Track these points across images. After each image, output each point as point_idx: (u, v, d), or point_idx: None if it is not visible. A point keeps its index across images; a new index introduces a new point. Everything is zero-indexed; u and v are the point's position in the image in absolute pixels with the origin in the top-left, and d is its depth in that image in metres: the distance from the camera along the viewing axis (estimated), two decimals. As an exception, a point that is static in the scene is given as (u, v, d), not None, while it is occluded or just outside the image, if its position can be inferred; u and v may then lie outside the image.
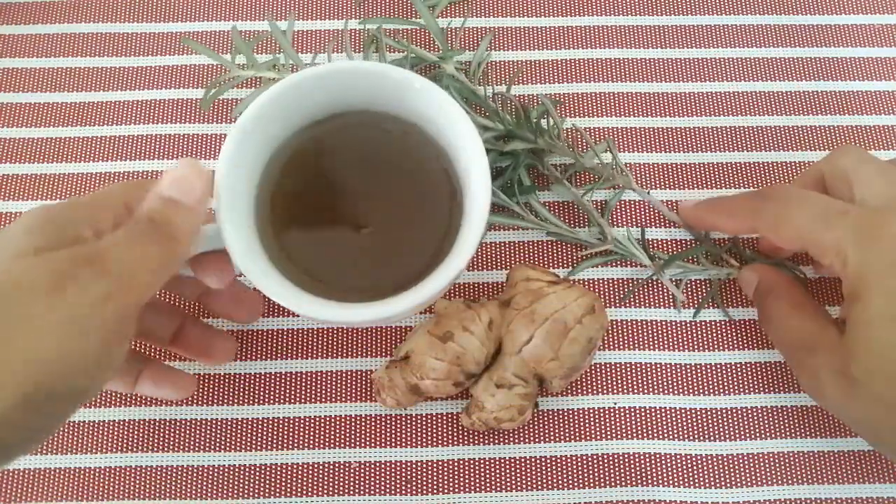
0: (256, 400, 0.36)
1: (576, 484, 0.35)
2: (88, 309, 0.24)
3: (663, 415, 0.36)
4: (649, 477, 0.35)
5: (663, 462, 0.35)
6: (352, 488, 0.35)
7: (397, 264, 0.31)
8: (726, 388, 0.36)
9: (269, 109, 0.30)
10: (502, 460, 0.35)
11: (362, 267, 0.32)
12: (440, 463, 0.35)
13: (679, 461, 0.35)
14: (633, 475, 0.35)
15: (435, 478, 0.35)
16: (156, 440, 0.35)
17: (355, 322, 0.31)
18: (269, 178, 0.32)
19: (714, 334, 0.37)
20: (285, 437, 0.36)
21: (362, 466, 0.35)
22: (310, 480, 0.35)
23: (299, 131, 0.32)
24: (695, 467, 0.35)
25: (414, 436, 0.36)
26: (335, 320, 0.29)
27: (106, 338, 0.24)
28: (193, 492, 0.35)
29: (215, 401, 0.36)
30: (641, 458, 0.35)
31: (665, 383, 0.36)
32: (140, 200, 0.27)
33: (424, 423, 0.36)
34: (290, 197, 0.32)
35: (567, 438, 0.36)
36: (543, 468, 0.35)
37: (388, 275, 0.31)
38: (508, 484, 0.35)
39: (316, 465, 0.35)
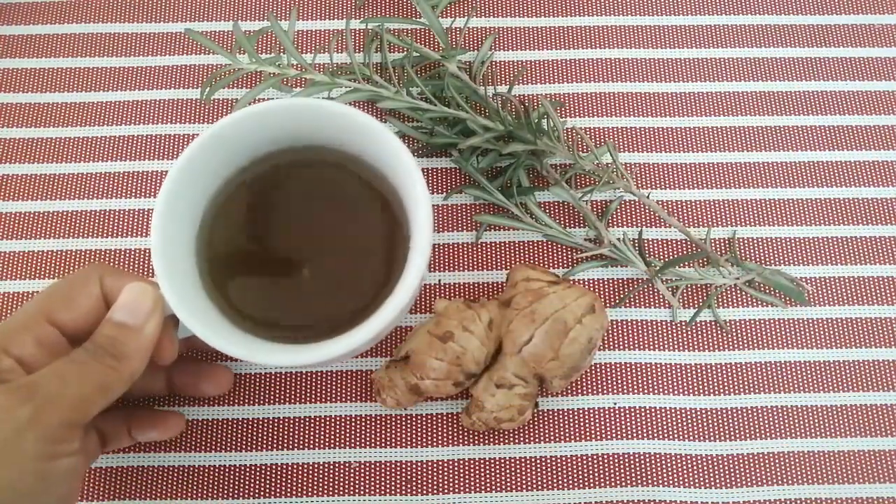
0: (256, 400, 0.36)
1: (576, 484, 0.35)
2: (12, 434, 0.24)
3: (663, 415, 0.36)
4: (649, 477, 0.35)
5: (663, 462, 0.35)
6: (352, 488, 0.35)
7: (342, 303, 0.31)
8: (726, 388, 0.36)
9: (203, 155, 0.30)
10: (502, 460, 0.35)
11: (306, 308, 0.32)
12: (440, 463, 0.35)
13: (679, 461, 0.35)
14: (633, 475, 0.35)
15: (435, 478, 0.35)
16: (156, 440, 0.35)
17: (300, 365, 0.31)
18: (209, 223, 0.32)
19: (714, 334, 0.37)
20: (285, 437, 0.36)
21: (362, 466, 0.35)
22: (310, 480, 0.35)
23: (238, 171, 0.32)
24: (695, 467, 0.35)
25: (414, 436, 0.36)
26: (286, 365, 0.29)
27: (39, 458, 0.25)
28: (193, 492, 0.35)
29: (215, 401, 0.36)
30: (641, 458, 0.35)
31: (665, 383, 0.36)
32: (63, 311, 0.28)
33: (424, 423, 0.36)
34: (231, 242, 0.32)
35: (567, 438, 0.36)
36: (543, 468, 0.35)
37: (331, 314, 0.31)
38: (508, 484, 0.35)
39: (316, 465, 0.35)
